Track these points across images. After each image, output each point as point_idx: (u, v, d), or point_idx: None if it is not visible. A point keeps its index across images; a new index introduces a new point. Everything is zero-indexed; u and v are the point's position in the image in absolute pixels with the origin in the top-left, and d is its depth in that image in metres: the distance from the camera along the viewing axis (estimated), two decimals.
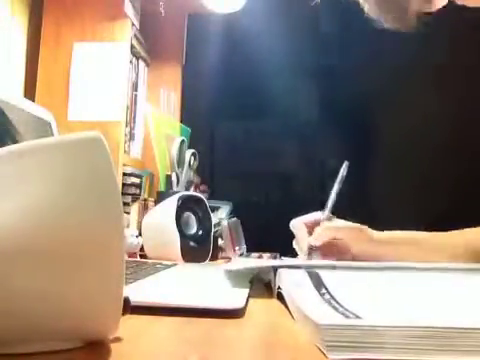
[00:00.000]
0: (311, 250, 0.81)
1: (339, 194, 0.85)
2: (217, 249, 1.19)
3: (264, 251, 1.28)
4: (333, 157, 1.79)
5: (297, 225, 0.84)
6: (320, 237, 0.80)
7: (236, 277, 0.64)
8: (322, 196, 1.76)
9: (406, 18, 0.64)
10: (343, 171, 0.87)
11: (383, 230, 0.84)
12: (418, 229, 0.82)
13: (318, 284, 0.49)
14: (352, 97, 1.77)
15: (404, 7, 0.63)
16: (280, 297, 0.54)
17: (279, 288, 0.56)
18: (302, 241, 0.83)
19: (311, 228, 0.82)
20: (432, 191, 1.64)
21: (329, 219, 0.83)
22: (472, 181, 1.60)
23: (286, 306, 0.49)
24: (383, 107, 1.77)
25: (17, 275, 0.30)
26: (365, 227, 0.82)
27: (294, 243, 0.87)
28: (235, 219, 1.29)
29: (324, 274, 0.53)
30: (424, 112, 1.69)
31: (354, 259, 0.80)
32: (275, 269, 0.59)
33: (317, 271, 0.54)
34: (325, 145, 1.80)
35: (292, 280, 0.52)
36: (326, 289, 0.47)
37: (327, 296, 0.45)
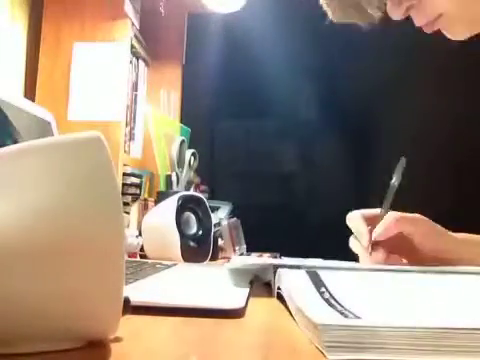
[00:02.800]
0: (375, 246, 0.68)
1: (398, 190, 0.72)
2: (217, 249, 1.19)
3: (264, 251, 1.28)
4: (333, 157, 1.79)
5: (355, 218, 0.71)
6: (386, 230, 0.67)
7: (236, 277, 0.64)
8: (322, 196, 1.76)
9: (369, 18, 0.64)
10: (401, 165, 0.73)
11: None
12: None
13: (317, 284, 0.49)
14: (352, 97, 1.77)
15: (367, 13, 0.64)
16: (280, 297, 0.54)
17: (279, 288, 0.55)
18: (362, 236, 0.70)
19: (371, 223, 0.70)
20: (433, 191, 1.64)
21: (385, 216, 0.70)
22: (474, 181, 1.60)
23: (286, 306, 0.49)
24: (383, 107, 1.77)
25: (17, 275, 0.30)
26: (434, 222, 0.70)
27: (351, 241, 0.73)
28: (235, 219, 1.29)
29: (323, 274, 0.53)
30: (425, 112, 1.69)
31: (424, 257, 0.68)
32: (275, 269, 0.59)
33: (316, 271, 0.54)
34: (325, 145, 1.80)
35: (292, 280, 0.52)
36: (326, 288, 0.47)
37: (326, 295, 0.44)
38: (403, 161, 0.73)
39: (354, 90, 1.75)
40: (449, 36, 0.64)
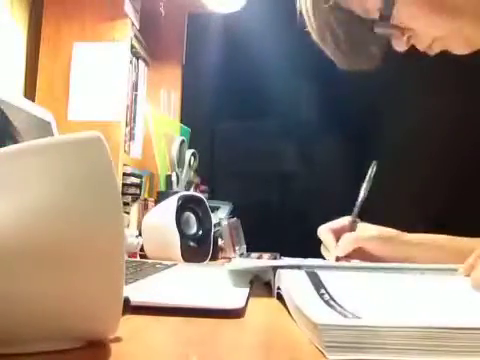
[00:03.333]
0: (338, 260, 0.79)
1: (367, 195, 0.83)
2: (217, 249, 1.19)
3: (264, 251, 1.28)
4: (333, 157, 1.79)
5: (324, 232, 0.82)
6: (344, 249, 0.78)
7: (236, 277, 0.64)
8: (322, 196, 1.76)
9: (373, 62, 0.68)
10: (371, 171, 0.84)
11: None
12: (417, 231, 0.82)
13: (317, 284, 0.49)
14: (352, 97, 1.77)
15: (371, 53, 0.68)
16: (280, 297, 0.54)
17: (278, 288, 0.55)
18: (330, 249, 0.81)
19: (338, 234, 0.81)
20: (432, 192, 1.64)
21: (354, 224, 0.81)
22: (473, 183, 1.60)
23: (286, 306, 0.49)
24: (383, 107, 1.77)
25: (16, 275, 0.30)
26: (391, 231, 0.80)
27: (322, 249, 0.85)
28: (235, 219, 1.29)
29: (323, 274, 0.53)
30: (425, 113, 1.69)
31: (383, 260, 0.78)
32: (275, 269, 0.59)
33: (316, 271, 0.54)
34: (325, 145, 1.80)
35: (291, 280, 0.52)
36: (325, 289, 0.47)
37: (326, 296, 0.45)
38: (373, 166, 0.84)
39: (354, 90, 1.74)
40: (453, 52, 0.67)
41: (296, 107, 1.81)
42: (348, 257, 0.79)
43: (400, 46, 0.68)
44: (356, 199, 0.83)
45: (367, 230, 0.81)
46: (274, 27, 1.67)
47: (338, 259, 0.79)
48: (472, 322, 0.34)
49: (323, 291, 0.46)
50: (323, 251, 0.85)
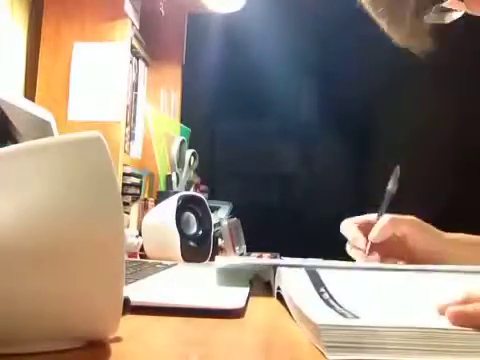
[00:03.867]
0: (370, 250, 0.71)
1: (393, 196, 0.76)
2: (217, 249, 1.19)
3: (264, 251, 1.28)
4: (333, 157, 1.79)
5: (348, 225, 0.75)
6: (382, 231, 0.70)
7: (235, 276, 0.63)
8: (322, 196, 1.76)
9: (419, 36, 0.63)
10: (396, 173, 0.76)
11: None
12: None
13: (317, 284, 0.49)
14: (352, 97, 1.77)
15: (418, 25, 0.62)
16: (280, 297, 0.54)
17: (278, 288, 0.55)
18: (357, 240, 0.73)
19: (363, 229, 0.74)
20: (432, 192, 1.64)
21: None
22: (473, 181, 1.60)
23: (286, 306, 0.49)
24: (383, 107, 1.77)
25: (16, 275, 0.30)
26: (426, 223, 0.73)
27: (347, 247, 0.77)
28: (235, 219, 1.29)
29: (323, 273, 0.52)
30: (425, 113, 1.69)
31: (417, 258, 0.70)
32: (275, 268, 0.58)
33: (316, 270, 0.54)
34: (325, 145, 1.80)
35: (291, 279, 0.52)
36: (325, 289, 0.47)
37: (326, 296, 0.44)
38: (397, 169, 0.76)
39: (354, 90, 1.75)
40: None
41: (296, 107, 1.81)
42: (382, 249, 0.71)
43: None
44: (382, 196, 0.76)
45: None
46: (274, 27, 1.67)
47: (370, 251, 0.71)
48: None
49: (323, 290, 0.46)
50: (349, 248, 0.77)
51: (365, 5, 0.64)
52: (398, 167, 0.76)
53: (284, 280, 0.53)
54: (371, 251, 0.72)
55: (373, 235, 0.71)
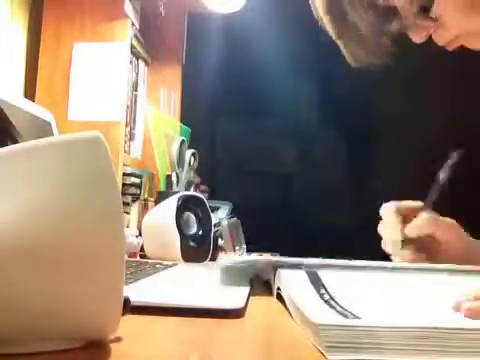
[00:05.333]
0: (404, 241, 0.69)
1: (446, 185, 0.72)
2: (217, 249, 1.19)
3: (264, 251, 1.28)
4: (333, 157, 1.79)
5: (389, 209, 0.72)
6: (419, 228, 0.69)
7: (237, 275, 0.63)
8: (322, 196, 1.76)
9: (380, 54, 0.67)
10: (453, 158, 0.72)
11: None
12: None
13: (317, 284, 0.49)
14: (352, 97, 1.77)
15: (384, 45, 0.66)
16: (279, 297, 0.53)
17: (278, 289, 0.55)
18: (392, 228, 0.71)
19: (404, 216, 0.71)
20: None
21: (428, 210, 0.70)
22: (473, 182, 1.60)
23: (286, 306, 0.49)
24: (383, 107, 1.77)
25: (16, 275, 0.30)
26: (463, 232, 0.71)
27: (379, 228, 0.74)
28: (235, 219, 1.29)
29: (323, 274, 0.52)
30: (425, 112, 1.69)
31: (447, 259, 0.68)
32: (275, 269, 0.58)
33: (316, 271, 0.54)
34: (325, 145, 1.80)
35: (291, 280, 0.51)
36: (325, 289, 0.47)
37: (326, 296, 0.44)
38: (454, 156, 0.72)
39: (354, 90, 1.74)
40: (472, 48, 0.66)
41: (296, 107, 1.81)
42: (416, 244, 0.70)
43: (418, 39, 0.66)
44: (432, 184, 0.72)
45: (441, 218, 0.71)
46: (274, 27, 1.67)
47: (405, 243, 0.69)
48: (470, 323, 0.34)
49: (323, 291, 0.46)
50: (382, 231, 0.74)
51: (322, 25, 0.68)
52: (455, 154, 0.72)
53: (284, 281, 0.52)
54: (405, 243, 0.70)
55: (409, 230, 0.70)
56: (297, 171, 1.83)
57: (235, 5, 1.44)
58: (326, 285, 0.48)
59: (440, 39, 0.66)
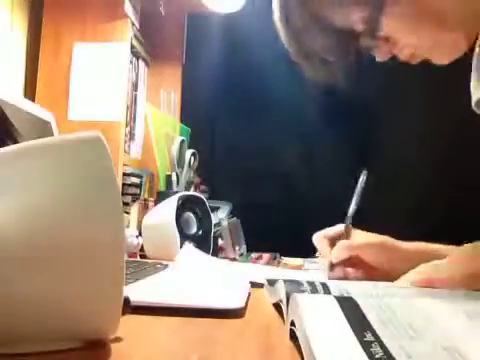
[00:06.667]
0: (332, 267, 0.77)
1: (359, 204, 0.81)
2: (217, 249, 1.19)
3: (264, 251, 1.28)
4: (333, 157, 1.79)
5: (318, 239, 0.81)
6: (337, 256, 0.77)
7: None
8: (322, 196, 1.76)
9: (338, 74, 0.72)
10: (362, 181, 0.83)
11: None
12: (413, 239, 0.80)
13: (357, 321, 0.32)
14: (353, 97, 1.77)
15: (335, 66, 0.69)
16: (294, 336, 0.36)
17: (292, 324, 0.37)
18: (324, 256, 0.80)
19: (333, 241, 0.79)
20: (429, 200, 1.64)
21: (348, 232, 0.79)
22: (469, 194, 1.60)
23: (299, 346, 0.33)
24: (384, 107, 1.77)
25: (17, 275, 0.30)
26: (386, 239, 0.77)
27: (317, 257, 0.85)
28: (235, 219, 1.29)
29: (366, 303, 0.35)
30: (425, 113, 1.69)
31: (379, 273, 0.74)
32: (288, 294, 0.41)
33: (354, 298, 0.36)
34: (325, 146, 1.80)
35: (314, 314, 0.34)
36: (372, 331, 0.31)
37: (376, 348, 0.28)
38: (364, 175, 0.82)
39: (355, 91, 1.74)
40: (435, 62, 0.68)
41: (296, 107, 1.81)
42: (343, 265, 0.78)
43: (382, 57, 0.69)
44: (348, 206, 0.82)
45: (363, 237, 0.79)
46: (274, 27, 1.67)
47: (332, 267, 0.77)
48: None
49: (369, 335, 0.30)
50: (318, 259, 0.84)
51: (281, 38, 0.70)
52: (364, 173, 0.82)
53: (302, 313, 0.34)
54: (333, 268, 0.77)
55: (332, 257, 0.77)
56: (297, 171, 1.83)
57: (235, 5, 1.44)
58: (373, 323, 0.32)
59: (400, 55, 0.68)
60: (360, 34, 0.67)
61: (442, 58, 0.67)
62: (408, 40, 0.66)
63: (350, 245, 0.78)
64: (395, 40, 0.66)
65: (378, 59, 0.70)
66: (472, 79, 0.77)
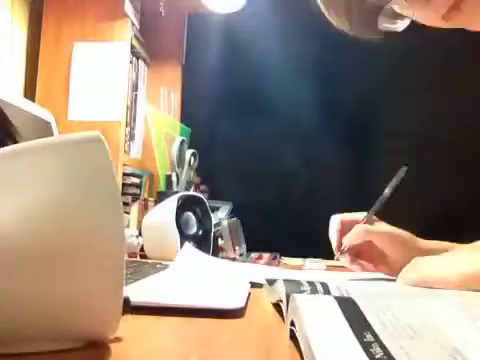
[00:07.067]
0: (342, 250, 0.75)
1: (390, 199, 0.77)
2: (217, 249, 1.19)
3: (264, 251, 1.28)
4: (333, 157, 1.79)
5: (333, 220, 0.78)
6: (351, 238, 0.74)
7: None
8: (322, 196, 1.76)
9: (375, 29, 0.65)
10: (399, 175, 0.78)
11: None
12: (416, 232, 0.79)
13: (357, 321, 0.32)
14: (352, 97, 1.77)
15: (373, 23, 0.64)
16: (294, 336, 0.37)
17: (292, 324, 0.37)
18: (332, 238, 0.78)
19: (347, 226, 0.76)
20: (431, 193, 1.64)
21: (371, 222, 0.75)
22: (474, 182, 1.60)
23: (298, 344, 0.34)
24: (384, 107, 1.77)
25: (17, 275, 0.30)
26: (408, 234, 0.75)
27: (330, 238, 0.81)
28: (235, 219, 1.29)
29: (365, 303, 0.35)
30: (425, 112, 1.69)
31: (393, 269, 0.72)
32: (288, 294, 0.41)
33: (354, 298, 0.36)
34: (325, 145, 1.80)
35: (314, 315, 0.34)
36: (372, 332, 0.30)
37: (376, 349, 0.28)
38: (402, 171, 0.77)
39: (354, 90, 1.74)
40: (468, 27, 0.61)
41: (296, 107, 1.81)
42: (352, 253, 0.75)
43: (409, 12, 0.61)
44: (376, 196, 0.78)
45: (384, 227, 0.76)
46: (274, 27, 1.67)
47: (342, 251, 0.75)
48: None
49: (369, 335, 0.30)
50: (330, 238, 0.80)
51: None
52: (404, 169, 0.77)
53: (302, 314, 0.34)
54: (342, 252, 0.75)
55: (344, 240, 0.75)
56: (297, 171, 1.83)
57: (235, 5, 1.44)
58: (373, 323, 0.32)
59: (439, 6, 0.58)
60: None
61: None
62: None
63: (368, 229, 0.74)
64: None
65: (404, 13, 0.61)
66: None
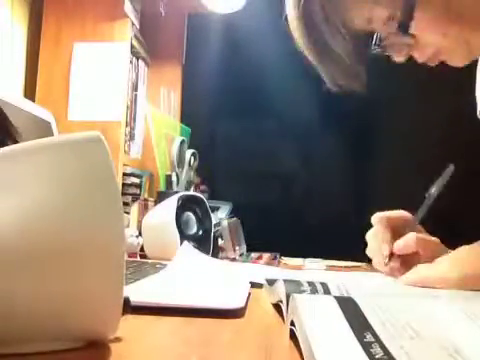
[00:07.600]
0: (391, 256, 0.69)
1: (437, 199, 0.74)
2: (217, 249, 1.19)
3: (264, 251, 1.28)
4: (333, 157, 1.79)
5: (380, 219, 0.73)
6: (406, 246, 0.69)
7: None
8: (322, 196, 1.76)
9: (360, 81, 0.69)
10: (446, 175, 0.74)
11: None
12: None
13: (357, 321, 0.32)
14: (352, 97, 1.77)
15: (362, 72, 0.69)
16: (294, 336, 0.36)
17: (292, 323, 0.37)
18: (380, 240, 0.72)
19: (394, 226, 0.72)
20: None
21: (413, 224, 0.72)
22: (473, 183, 1.60)
23: (298, 343, 0.34)
24: (383, 107, 1.77)
25: (17, 275, 0.30)
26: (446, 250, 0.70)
27: (367, 237, 0.74)
28: (235, 219, 1.29)
29: (365, 303, 0.35)
30: (424, 112, 1.69)
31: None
32: (288, 294, 0.42)
33: (354, 298, 0.36)
34: (325, 145, 1.80)
35: (314, 315, 0.34)
36: (372, 332, 0.31)
37: (377, 349, 0.28)
38: (449, 170, 0.74)
39: (364, 93, 1.74)
40: (451, 64, 0.67)
41: (296, 107, 1.81)
42: (402, 259, 0.70)
43: (400, 57, 0.68)
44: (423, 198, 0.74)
45: (425, 234, 0.72)
46: (274, 27, 1.67)
47: (391, 256, 0.69)
48: None
49: (369, 335, 0.30)
50: (370, 239, 0.74)
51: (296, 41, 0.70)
52: (451, 167, 0.74)
53: (302, 314, 0.35)
54: (391, 258, 0.70)
55: (397, 247, 0.70)
56: (297, 171, 1.83)
57: (235, 5, 1.44)
58: (373, 323, 0.32)
59: (420, 56, 0.67)
60: (381, 35, 0.65)
61: (462, 59, 0.66)
62: (434, 39, 0.64)
63: (422, 239, 0.70)
64: (422, 37, 0.64)
65: (396, 59, 0.68)
66: (477, 87, 0.76)
